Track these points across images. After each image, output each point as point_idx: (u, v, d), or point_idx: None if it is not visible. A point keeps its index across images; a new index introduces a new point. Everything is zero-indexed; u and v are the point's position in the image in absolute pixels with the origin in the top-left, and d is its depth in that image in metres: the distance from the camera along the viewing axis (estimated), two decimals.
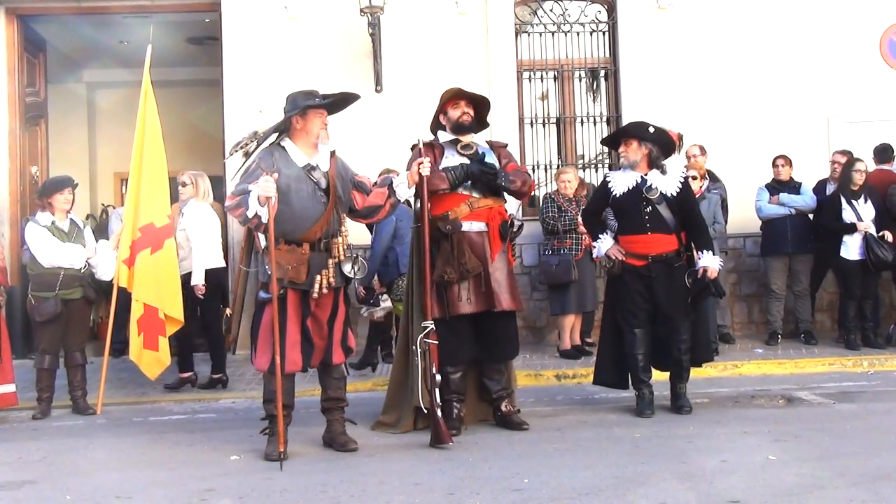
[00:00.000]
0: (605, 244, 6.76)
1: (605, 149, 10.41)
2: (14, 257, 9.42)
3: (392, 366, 6.57)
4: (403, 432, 6.21)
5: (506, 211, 6.44)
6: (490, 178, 6.21)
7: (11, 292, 8.14)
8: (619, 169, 6.84)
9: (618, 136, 6.78)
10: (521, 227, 6.45)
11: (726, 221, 9.37)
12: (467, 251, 6.13)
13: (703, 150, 9.30)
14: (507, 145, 6.70)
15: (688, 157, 9.14)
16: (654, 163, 6.62)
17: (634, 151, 6.61)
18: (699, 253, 6.58)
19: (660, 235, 6.57)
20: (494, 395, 6.39)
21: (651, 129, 6.62)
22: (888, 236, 8.85)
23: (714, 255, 6.62)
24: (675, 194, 6.59)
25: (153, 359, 7.61)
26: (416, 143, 6.22)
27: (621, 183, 6.69)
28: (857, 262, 8.94)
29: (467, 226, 6.23)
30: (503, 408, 6.38)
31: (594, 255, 7.20)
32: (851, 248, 8.93)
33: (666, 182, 6.61)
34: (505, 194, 6.44)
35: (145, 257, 7.59)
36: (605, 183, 6.90)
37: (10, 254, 9.18)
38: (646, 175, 6.61)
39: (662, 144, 6.65)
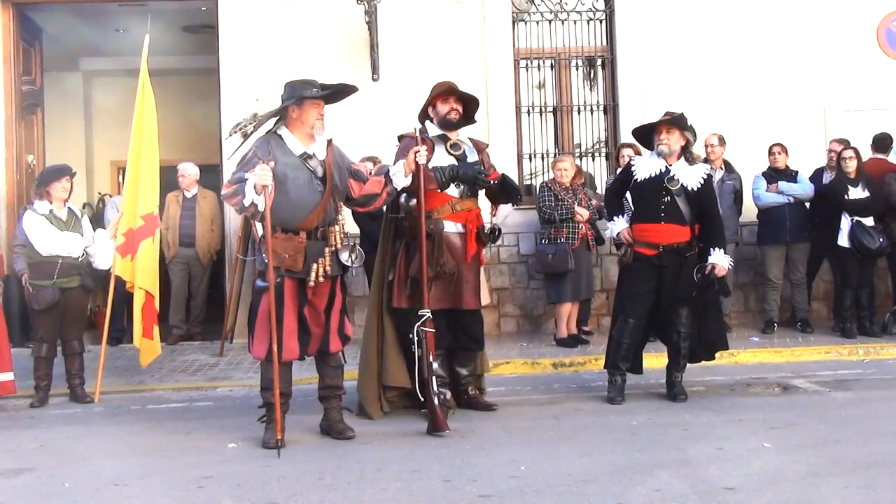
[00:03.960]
0: (618, 226, 6.82)
1: (603, 138, 10.45)
2: (10, 246, 9.39)
3: (361, 353, 6.54)
4: (374, 418, 6.27)
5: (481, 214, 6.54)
6: (482, 183, 6.32)
7: (8, 281, 8.14)
8: (652, 154, 6.80)
9: (659, 125, 6.71)
10: (500, 233, 6.55)
11: (740, 212, 9.39)
12: (446, 252, 6.22)
13: (721, 141, 9.29)
14: (487, 146, 6.77)
15: (706, 147, 9.14)
16: (685, 154, 6.67)
17: (676, 140, 6.62)
18: (711, 249, 6.60)
19: (673, 226, 6.59)
20: (462, 380, 6.57)
21: (689, 123, 6.67)
22: None
23: (726, 254, 6.64)
24: (695, 189, 6.60)
25: (148, 347, 7.72)
26: (412, 132, 6.21)
27: (645, 169, 6.71)
28: (853, 250, 8.95)
29: (448, 226, 6.31)
30: (470, 391, 6.57)
31: (607, 234, 7.23)
32: (845, 236, 8.95)
33: (689, 175, 6.62)
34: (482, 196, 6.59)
35: (147, 246, 7.68)
36: (628, 166, 6.94)
37: (5, 242, 9.17)
38: (671, 165, 6.62)
39: (693, 137, 6.75)
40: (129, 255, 7.61)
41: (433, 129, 6.41)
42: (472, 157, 6.43)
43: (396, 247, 6.42)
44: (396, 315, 6.38)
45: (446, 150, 6.33)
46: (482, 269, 6.67)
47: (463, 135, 6.53)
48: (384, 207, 6.43)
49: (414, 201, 6.17)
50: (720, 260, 6.57)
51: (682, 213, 6.60)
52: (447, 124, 6.37)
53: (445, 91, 6.41)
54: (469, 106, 6.48)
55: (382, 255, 6.51)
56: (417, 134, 6.14)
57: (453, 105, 6.37)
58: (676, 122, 6.66)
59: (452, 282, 6.26)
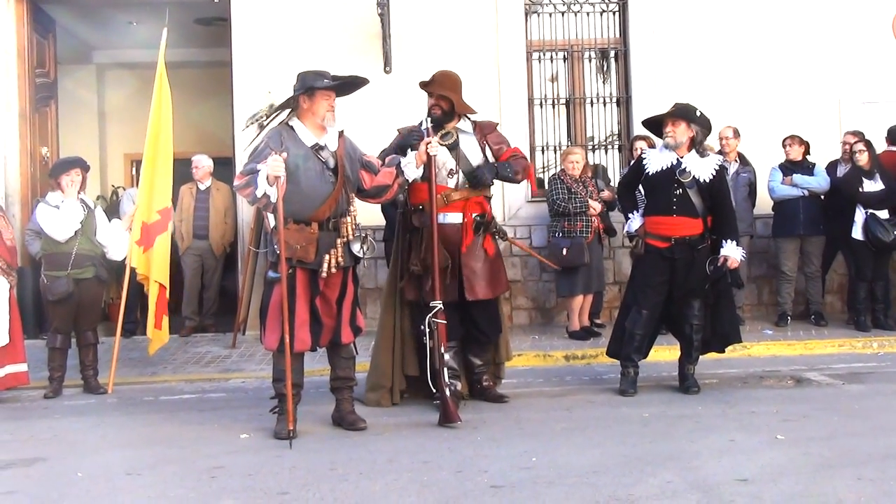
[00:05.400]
0: (635, 223, 6.81)
1: (616, 130, 10.42)
2: (24, 237, 9.45)
3: (374, 344, 6.58)
4: (389, 405, 6.34)
5: (486, 201, 6.49)
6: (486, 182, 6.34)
7: (22, 272, 8.17)
8: (660, 148, 6.79)
9: (665, 118, 6.68)
10: (489, 225, 6.40)
11: (754, 204, 9.35)
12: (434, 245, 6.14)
13: (736, 133, 9.25)
14: (497, 125, 6.68)
15: (720, 139, 9.11)
16: (695, 146, 6.62)
17: (682, 132, 6.58)
18: (723, 241, 6.56)
19: (685, 219, 6.56)
20: (476, 370, 6.57)
21: (698, 113, 6.61)
22: None
23: (738, 246, 6.61)
24: (707, 180, 6.56)
25: (156, 336, 7.82)
26: (405, 128, 6.22)
27: (656, 162, 6.68)
28: (867, 242, 8.90)
29: (442, 218, 6.24)
30: (483, 382, 6.56)
31: (625, 230, 7.21)
32: (860, 229, 8.90)
33: (701, 167, 6.58)
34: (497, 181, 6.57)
35: (163, 239, 7.77)
36: (640, 159, 6.92)
37: (20, 234, 9.21)
38: (682, 157, 6.59)
39: (705, 128, 6.68)
40: (143, 247, 7.66)
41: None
42: (467, 143, 6.37)
43: (406, 240, 6.43)
44: (410, 307, 6.40)
45: (437, 141, 6.26)
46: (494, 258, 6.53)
47: (467, 122, 6.49)
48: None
49: (403, 195, 6.22)
50: (732, 252, 6.54)
51: (695, 205, 6.57)
52: (432, 119, 6.35)
53: (422, 87, 6.46)
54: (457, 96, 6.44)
55: (396, 248, 6.53)
56: (429, 125, 6.14)
57: (434, 101, 6.39)
58: (681, 113, 6.62)
59: (448, 275, 6.20)
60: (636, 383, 6.72)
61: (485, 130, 6.51)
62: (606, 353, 7.01)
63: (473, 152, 6.39)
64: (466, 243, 6.30)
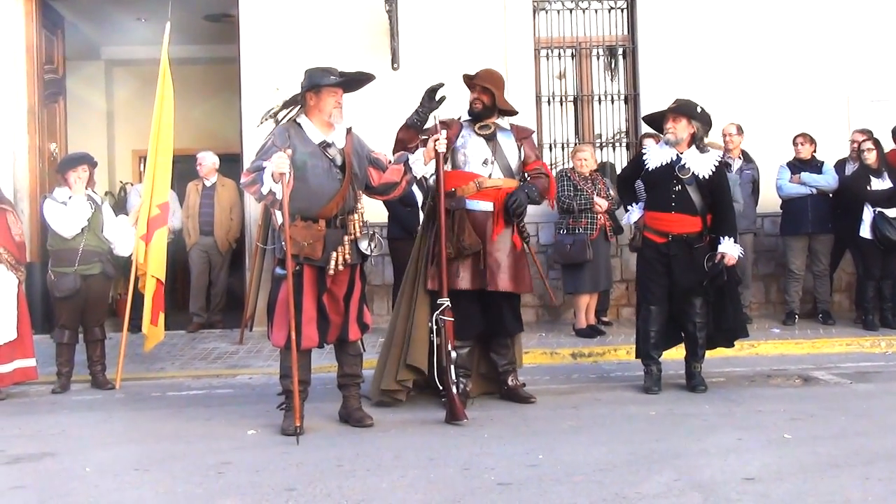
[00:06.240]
0: (634, 215, 6.82)
1: (623, 127, 10.41)
2: (33, 233, 9.48)
3: (385, 339, 6.56)
4: (376, 401, 6.30)
5: None
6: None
7: (30, 268, 8.19)
8: (661, 143, 6.79)
9: (666, 114, 6.67)
10: (520, 204, 6.31)
11: (757, 202, 9.32)
12: (467, 229, 6.17)
13: (739, 130, 9.24)
14: (532, 132, 6.75)
15: (723, 136, 9.09)
16: (695, 142, 6.60)
17: (683, 129, 6.56)
18: (721, 238, 6.55)
19: (683, 216, 6.54)
20: (501, 369, 6.51)
21: (698, 109, 6.60)
22: None
23: (736, 243, 6.59)
24: (707, 177, 6.55)
25: (152, 333, 7.79)
26: (448, 119, 6.22)
27: (656, 157, 6.67)
28: (875, 241, 8.87)
29: (473, 204, 6.27)
30: (510, 382, 6.50)
31: (624, 221, 7.20)
32: (868, 227, 8.88)
33: (701, 163, 6.56)
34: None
35: (161, 234, 7.77)
36: (640, 154, 6.92)
37: (28, 230, 9.23)
38: (682, 154, 6.58)
39: (706, 124, 6.66)
40: (145, 242, 7.67)
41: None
42: (505, 139, 6.40)
43: (436, 227, 6.35)
44: (430, 298, 6.29)
45: (474, 131, 6.34)
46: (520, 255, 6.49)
47: (505, 121, 6.52)
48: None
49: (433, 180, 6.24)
50: (729, 249, 6.51)
51: (694, 202, 6.55)
52: (472, 114, 6.40)
53: (467, 81, 6.45)
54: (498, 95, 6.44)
55: (421, 238, 6.49)
56: (437, 122, 6.13)
57: (477, 95, 6.39)
58: (682, 109, 6.60)
59: (479, 261, 6.20)
60: (660, 381, 6.68)
61: (521, 134, 6.54)
62: (636, 356, 6.94)
63: (510, 149, 6.42)
64: (498, 232, 6.28)
